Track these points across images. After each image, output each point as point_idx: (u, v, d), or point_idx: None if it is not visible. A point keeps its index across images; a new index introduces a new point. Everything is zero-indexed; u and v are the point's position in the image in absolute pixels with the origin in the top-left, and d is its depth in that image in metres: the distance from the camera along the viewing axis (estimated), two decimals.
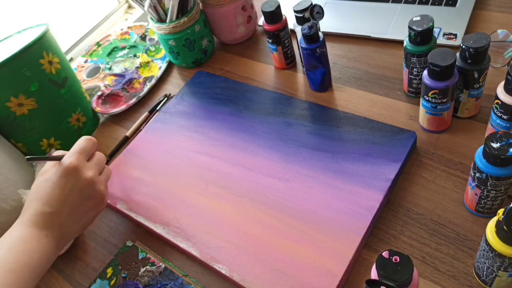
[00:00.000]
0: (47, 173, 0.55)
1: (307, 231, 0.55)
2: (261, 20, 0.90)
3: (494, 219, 0.40)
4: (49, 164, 0.56)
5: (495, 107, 0.52)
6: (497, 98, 0.51)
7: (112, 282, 0.58)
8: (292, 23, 0.72)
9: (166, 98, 0.83)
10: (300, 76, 0.77)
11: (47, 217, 0.51)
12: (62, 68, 0.73)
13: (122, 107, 0.82)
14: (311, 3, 0.67)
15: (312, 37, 0.65)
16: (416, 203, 0.56)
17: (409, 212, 0.55)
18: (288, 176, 0.61)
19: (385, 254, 0.39)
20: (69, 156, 0.55)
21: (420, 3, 0.79)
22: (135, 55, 0.91)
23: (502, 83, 0.51)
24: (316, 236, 0.54)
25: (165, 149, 0.71)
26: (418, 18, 0.58)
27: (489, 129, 0.56)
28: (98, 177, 0.56)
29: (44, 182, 0.53)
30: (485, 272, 0.45)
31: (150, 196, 0.65)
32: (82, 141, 0.57)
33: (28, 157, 0.53)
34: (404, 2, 0.80)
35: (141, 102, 0.84)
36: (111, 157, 0.76)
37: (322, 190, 0.58)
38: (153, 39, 0.94)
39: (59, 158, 0.55)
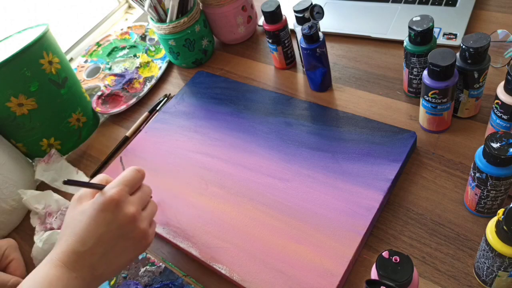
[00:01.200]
0: (84, 202, 0.49)
1: (307, 231, 0.55)
2: (261, 20, 0.90)
3: (494, 219, 0.40)
4: (86, 189, 0.51)
5: (495, 107, 0.52)
6: (497, 98, 0.51)
7: (112, 282, 0.58)
8: (292, 23, 0.72)
9: (166, 98, 0.83)
10: (300, 76, 0.77)
11: (79, 256, 0.46)
12: (62, 68, 0.73)
13: (122, 107, 0.82)
14: (311, 3, 0.67)
15: (312, 37, 0.65)
16: (416, 203, 0.56)
17: (409, 212, 0.55)
18: (288, 176, 0.61)
19: (385, 254, 0.39)
20: (112, 187, 0.49)
21: (420, 3, 0.79)
22: (135, 55, 0.91)
23: (502, 83, 0.51)
24: (316, 236, 0.54)
25: (165, 149, 0.71)
26: (418, 18, 0.58)
27: (489, 129, 0.56)
28: (140, 213, 0.50)
29: (80, 214, 0.47)
30: (485, 272, 0.45)
31: None
32: (130, 172, 0.51)
33: (66, 180, 0.46)
34: (404, 2, 0.80)
35: (141, 102, 0.84)
36: (111, 157, 0.76)
37: (322, 190, 0.58)
38: (153, 39, 0.94)
39: (100, 187, 0.49)
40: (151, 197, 0.55)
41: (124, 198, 0.48)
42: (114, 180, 0.50)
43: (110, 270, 0.48)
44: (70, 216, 0.48)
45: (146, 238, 0.50)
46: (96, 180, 0.52)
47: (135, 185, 0.51)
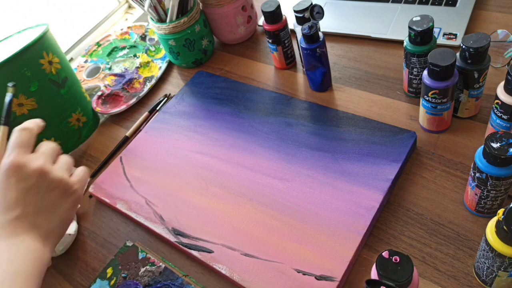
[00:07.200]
0: None
1: (307, 231, 0.55)
2: (261, 20, 0.90)
3: (494, 219, 0.40)
4: None
5: (495, 107, 0.52)
6: (497, 98, 0.51)
7: (112, 282, 0.58)
8: (292, 23, 0.72)
9: (166, 98, 0.83)
10: (300, 76, 0.77)
11: (13, 223, 0.46)
12: (62, 68, 0.73)
13: (122, 107, 0.82)
14: (311, 3, 0.67)
15: (312, 37, 0.65)
16: (416, 203, 0.56)
17: (409, 212, 0.55)
18: (288, 176, 0.61)
19: (385, 254, 0.39)
20: (7, 155, 0.48)
21: (420, 3, 0.79)
22: (135, 55, 0.91)
23: (502, 83, 0.51)
24: (316, 236, 0.54)
25: (165, 149, 0.71)
26: (418, 18, 0.58)
27: (489, 129, 0.56)
28: (50, 166, 0.49)
29: None
30: (485, 272, 0.45)
31: (150, 196, 0.65)
32: (16, 134, 0.49)
33: None
34: (404, 2, 0.80)
35: (141, 102, 0.85)
36: (111, 157, 0.76)
37: (322, 190, 0.58)
38: (153, 39, 0.94)
39: None
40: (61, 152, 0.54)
41: (25, 158, 0.48)
42: (7, 148, 0.49)
43: (54, 224, 0.49)
44: None
45: (70, 188, 0.50)
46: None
47: (29, 144, 0.50)
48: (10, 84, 0.53)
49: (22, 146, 0.49)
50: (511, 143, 0.43)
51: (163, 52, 0.91)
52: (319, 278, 0.50)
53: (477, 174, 0.47)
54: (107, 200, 0.67)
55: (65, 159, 0.53)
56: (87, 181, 0.54)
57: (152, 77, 0.87)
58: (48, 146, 0.52)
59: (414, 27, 0.58)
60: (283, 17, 0.73)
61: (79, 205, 0.54)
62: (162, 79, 0.88)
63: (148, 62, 0.90)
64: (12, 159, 0.47)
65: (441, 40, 0.72)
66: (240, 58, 0.85)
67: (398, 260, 0.38)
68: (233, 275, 0.53)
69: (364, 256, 0.53)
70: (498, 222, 0.39)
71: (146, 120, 0.80)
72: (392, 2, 0.82)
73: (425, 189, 0.57)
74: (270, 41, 0.75)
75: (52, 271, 0.63)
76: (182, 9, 0.80)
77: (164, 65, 0.88)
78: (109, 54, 0.93)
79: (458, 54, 0.56)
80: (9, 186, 0.47)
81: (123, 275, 0.58)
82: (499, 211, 0.39)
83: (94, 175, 0.75)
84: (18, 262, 0.44)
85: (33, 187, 0.48)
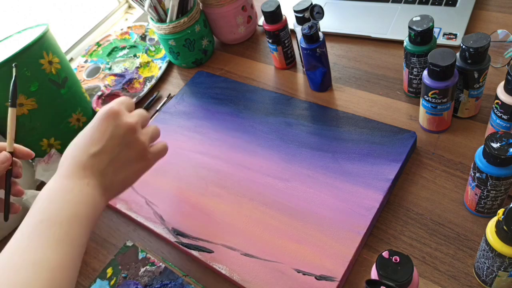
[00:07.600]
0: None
1: (307, 231, 0.55)
2: (261, 20, 0.90)
3: (494, 219, 0.40)
4: None
5: (495, 107, 0.52)
6: (497, 98, 0.51)
7: (112, 282, 0.58)
8: (292, 23, 0.72)
9: (167, 98, 0.83)
10: (300, 76, 0.77)
11: (87, 164, 0.47)
12: (62, 68, 0.73)
13: None
14: (311, 3, 0.67)
15: (312, 37, 0.65)
16: (416, 203, 0.56)
17: (409, 212, 0.55)
18: (288, 176, 0.61)
19: (385, 254, 0.39)
20: (110, 104, 0.51)
21: (420, 3, 0.79)
22: (135, 55, 0.91)
23: (502, 83, 0.51)
24: (316, 236, 0.54)
25: None
26: (418, 18, 0.58)
27: (489, 129, 0.56)
28: (139, 126, 0.52)
29: (82, 132, 0.50)
30: (485, 272, 0.45)
31: (150, 196, 0.65)
32: (123, 98, 0.54)
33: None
34: (404, 2, 0.80)
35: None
36: None
37: (322, 190, 0.58)
38: (153, 39, 0.94)
39: None
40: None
41: (123, 111, 0.51)
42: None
43: (118, 179, 0.50)
44: (72, 142, 0.50)
45: (145, 155, 0.52)
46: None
47: (129, 106, 0.53)
48: (13, 64, 0.53)
49: (124, 104, 0.52)
50: (511, 143, 0.43)
51: (163, 52, 0.91)
52: (319, 278, 0.50)
53: (477, 174, 0.47)
54: None
55: (154, 128, 0.55)
56: (162, 156, 0.56)
57: (152, 77, 0.87)
58: (142, 112, 0.54)
59: (414, 27, 0.58)
60: (283, 17, 0.73)
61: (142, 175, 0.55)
62: (162, 79, 0.88)
63: (148, 62, 0.90)
64: (113, 105, 0.50)
65: (441, 40, 0.72)
66: (240, 58, 0.85)
67: (398, 260, 0.38)
68: (233, 275, 0.53)
69: (364, 256, 0.53)
70: (498, 222, 0.39)
71: None
72: (392, 2, 0.82)
73: (425, 189, 0.57)
74: (270, 41, 0.75)
75: None
76: (182, 9, 0.80)
77: (164, 65, 0.88)
78: (109, 54, 0.93)
79: (458, 54, 0.56)
80: (100, 127, 0.49)
81: (123, 275, 0.58)
82: (499, 211, 0.39)
83: None
84: (78, 205, 0.45)
85: (119, 136, 0.49)
